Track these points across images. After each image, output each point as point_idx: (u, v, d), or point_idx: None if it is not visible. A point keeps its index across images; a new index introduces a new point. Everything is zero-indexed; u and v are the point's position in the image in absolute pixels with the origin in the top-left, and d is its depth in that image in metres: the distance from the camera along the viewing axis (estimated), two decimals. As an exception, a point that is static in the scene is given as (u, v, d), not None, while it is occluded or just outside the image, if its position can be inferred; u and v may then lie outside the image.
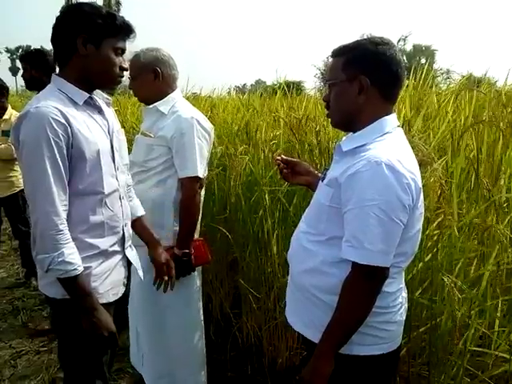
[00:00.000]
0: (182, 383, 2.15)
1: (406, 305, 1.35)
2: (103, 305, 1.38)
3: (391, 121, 1.26)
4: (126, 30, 1.44)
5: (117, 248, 1.48)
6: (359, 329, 1.19)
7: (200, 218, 2.11)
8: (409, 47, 43.49)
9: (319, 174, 1.56)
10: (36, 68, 2.99)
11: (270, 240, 2.32)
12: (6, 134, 3.43)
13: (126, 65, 1.47)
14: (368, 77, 1.21)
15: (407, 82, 2.63)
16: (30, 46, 3.15)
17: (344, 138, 1.34)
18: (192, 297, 2.15)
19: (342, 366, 1.21)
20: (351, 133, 1.31)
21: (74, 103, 1.38)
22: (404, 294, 1.33)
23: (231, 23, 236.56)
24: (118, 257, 1.50)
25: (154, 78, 2.00)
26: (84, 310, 1.34)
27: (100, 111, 1.48)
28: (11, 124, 3.51)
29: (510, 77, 2.61)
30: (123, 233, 1.52)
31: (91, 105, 1.45)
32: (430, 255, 1.71)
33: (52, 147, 1.27)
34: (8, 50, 79.41)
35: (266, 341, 2.44)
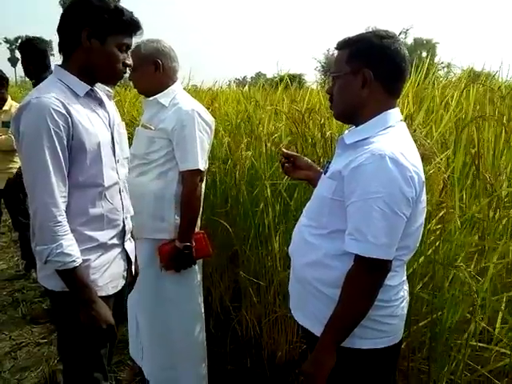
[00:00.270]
0: (183, 376, 2.15)
1: (408, 299, 1.35)
2: (102, 298, 1.38)
3: (394, 115, 1.26)
4: (133, 27, 1.42)
5: (116, 241, 1.48)
6: (361, 322, 1.19)
7: (201, 211, 2.11)
8: (410, 40, 43.35)
9: (320, 170, 1.56)
10: (26, 58, 2.96)
11: (271, 234, 2.32)
12: (6, 125, 3.42)
13: (130, 61, 1.45)
14: (372, 70, 1.21)
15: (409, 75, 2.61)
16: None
17: (346, 131, 1.34)
18: (193, 290, 2.15)
19: (344, 359, 1.21)
20: (354, 126, 1.31)
21: (75, 95, 1.37)
22: (406, 287, 1.34)
23: (231, 16, 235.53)
24: (118, 250, 1.50)
25: (154, 70, 1.99)
26: (82, 303, 1.33)
27: (101, 103, 1.47)
28: (11, 115, 3.49)
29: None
30: (123, 226, 1.51)
31: (92, 97, 1.43)
32: (431, 249, 1.71)
33: (52, 138, 1.26)
34: (7, 41, 78.92)
35: (265, 334, 2.44)
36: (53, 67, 1.47)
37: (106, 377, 1.50)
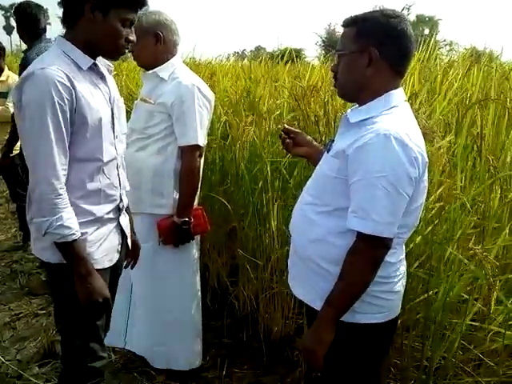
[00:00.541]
0: (178, 352, 2.17)
1: (406, 276, 1.37)
2: (98, 271, 1.38)
3: (398, 95, 1.26)
4: (138, 2, 1.39)
5: (112, 215, 1.48)
6: (361, 297, 1.21)
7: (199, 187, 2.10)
8: (412, 17, 42.59)
9: (320, 147, 1.55)
10: (18, 23, 2.88)
11: (270, 211, 2.32)
12: (3, 95, 3.36)
13: (133, 37, 1.42)
14: (378, 49, 1.20)
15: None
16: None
17: (349, 109, 1.33)
18: (190, 266, 2.16)
19: (342, 333, 1.24)
20: (357, 104, 1.30)
21: (79, 68, 1.35)
22: (404, 265, 1.36)
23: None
24: (113, 224, 1.50)
25: (155, 42, 1.95)
26: (79, 275, 1.34)
27: (102, 78, 1.45)
28: (8, 86, 3.44)
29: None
30: (120, 201, 1.51)
31: (95, 71, 1.41)
32: (429, 228, 1.72)
33: (56, 110, 1.24)
34: (2, 8, 76.97)
35: (262, 309, 2.48)
36: (48, 36, 1.44)
37: (104, 348, 1.53)
